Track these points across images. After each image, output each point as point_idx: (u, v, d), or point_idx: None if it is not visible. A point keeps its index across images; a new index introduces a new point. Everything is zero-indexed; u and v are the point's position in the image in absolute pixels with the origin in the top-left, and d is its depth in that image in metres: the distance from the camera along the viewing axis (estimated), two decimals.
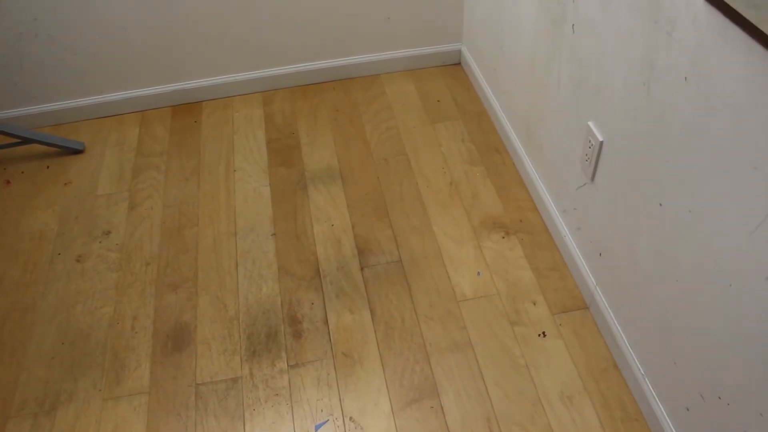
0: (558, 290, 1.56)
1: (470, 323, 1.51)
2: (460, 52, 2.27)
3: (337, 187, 1.86)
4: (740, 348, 0.97)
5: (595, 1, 1.24)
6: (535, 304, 1.54)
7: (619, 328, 1.38)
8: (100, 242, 1.75)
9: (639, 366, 1.32)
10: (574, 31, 1.36)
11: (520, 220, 1.73)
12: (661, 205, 1.12)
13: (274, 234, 1.74)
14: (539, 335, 1.47)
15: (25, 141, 1.96)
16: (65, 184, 1.93)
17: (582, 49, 1.33)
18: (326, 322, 1.53)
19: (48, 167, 1.99)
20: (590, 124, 1.35)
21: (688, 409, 1.16)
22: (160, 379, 1.45)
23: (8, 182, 1.95)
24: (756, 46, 0.81)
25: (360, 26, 2.14)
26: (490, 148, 1.95)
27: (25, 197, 1.90)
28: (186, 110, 2.18)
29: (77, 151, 2.03)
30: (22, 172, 1.98)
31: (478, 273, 1.61)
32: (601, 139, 1.31)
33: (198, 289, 1.62)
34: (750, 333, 0.93)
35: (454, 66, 2.29)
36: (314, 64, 2.21)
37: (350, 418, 1.36)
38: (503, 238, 1.69)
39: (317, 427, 1.35)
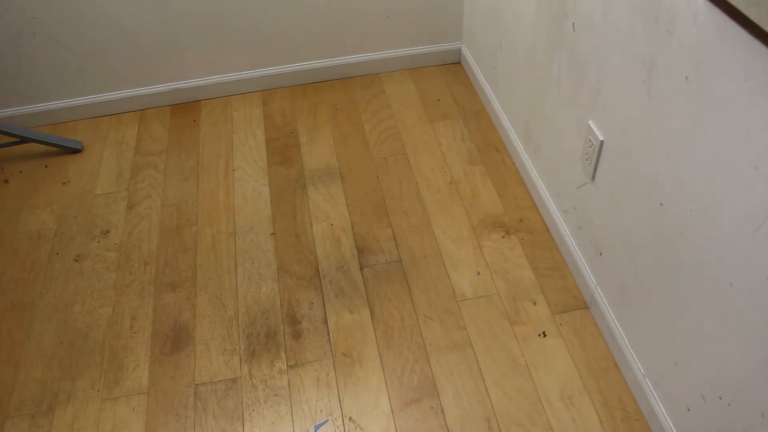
0: (558, 290, 1.56)
1: (470, 323, 1.50)
2: (459, 51, 2.27)
3: (336, 186, 1.85)
4: (741, 348, 0.96)
5: None
6: (535, 303, 1.53)
7: (619, 327, 1.38)
8: (98, 242, 1.75)
9: (639, 366, 1.31)
10: (574, 30, 1.35)
11: (520, 220, 1.73)
12: (661, 204, 1.12)
13: (273, 233, 1.74)
14: (539, 335, 1.47)
15: (24, 140, 1.95)
16: (64, 183, 1.93)
17: (582, 47, 1.32)
18: (326, 321, 1.53)
19: (46, 166, 1.99)
20: (590, 123, 1.34)
21: (688, 409, 1.15)
22: (158, 379, 1.45)
23: (6, 181, 1.94)
24: (757, 44, 0.81)
25: (359, 25, 2.13)
26: (489, 147, 1.95)
27: (24, 196, 1.89)
28: (185, 109, 2.17)
29: (76, 151, 2.03)
30: (21, 172, 1.97)
31: (478, 272, 1.61)
32: (601, 138, 1.31)
33: (197, 288, 1.62)
34: (751, 333, 0.93)
35: (454, 65, 2.29)
36: (313, 62, 2.20)
37: (350, 418, 1.36)
38: (503, 237, 1.69)
39: (317, 428, 1.35)
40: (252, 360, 1.47)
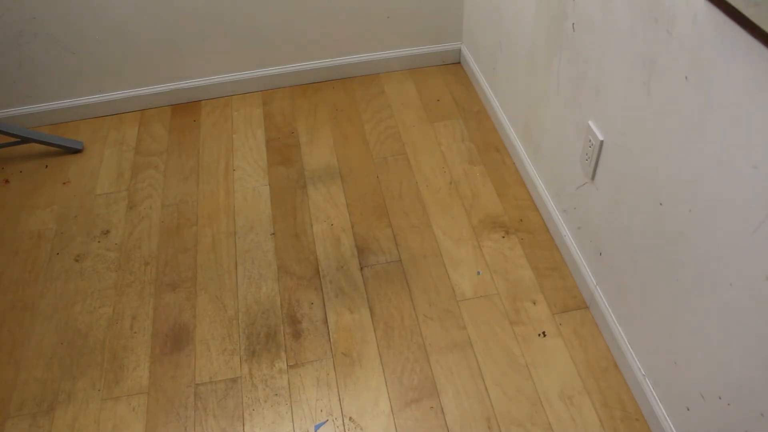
0: (558, 290, 1.56)
1: (470, 323, 1.50)
2: (459, 51, 2.27)
3: (336, 186, 1.86)
4: (741, 348, 0.96)
5: None
6: (535, 303, 1.53)
7: (619, 327, 1.38)
8: (98, 242, 1.75)
9: (639, 365, 1.31)
10: (574, 30, 1.35)
11: (520, 220, 1.73)
12: (661, 204, 1.12)
13: (274, 233, 1.74)
14: (539, 335, 1.47)
15: (24, 140, 1.95)
16: (64, 183, 1.93)
17: (582, 47, 1.33)
18: (326, 321, 1.53)
19: (47, 166, 1.99)
20: (590, 123, 1.34)
21: (688, 409, 1.15)
22: (159, 379, 1.45)
23: (7, 181, 1.94)
24: (756, 45, 0.81)
25: (360, 25, 2.13)
26: (489, 147, 1.95)
27: (24, 196, 1.89)
28: (185, 109, 2.17)
29: (76, 151, 2.03)
30: (21, 172, 1.97)
31: (478, 272, 1.61)
32: (601, 138, 1.31)
33: (197, 288, 1.62)
34: (750, 333, 0.93)
35: (454, 65, 2.29)
36: (314, 63, 2.20)
37: (350, 418, 1.36)
38: (503, 237, 1.69)
39: (317, 427, 1.35)
40: (252, 360, 1.47)
